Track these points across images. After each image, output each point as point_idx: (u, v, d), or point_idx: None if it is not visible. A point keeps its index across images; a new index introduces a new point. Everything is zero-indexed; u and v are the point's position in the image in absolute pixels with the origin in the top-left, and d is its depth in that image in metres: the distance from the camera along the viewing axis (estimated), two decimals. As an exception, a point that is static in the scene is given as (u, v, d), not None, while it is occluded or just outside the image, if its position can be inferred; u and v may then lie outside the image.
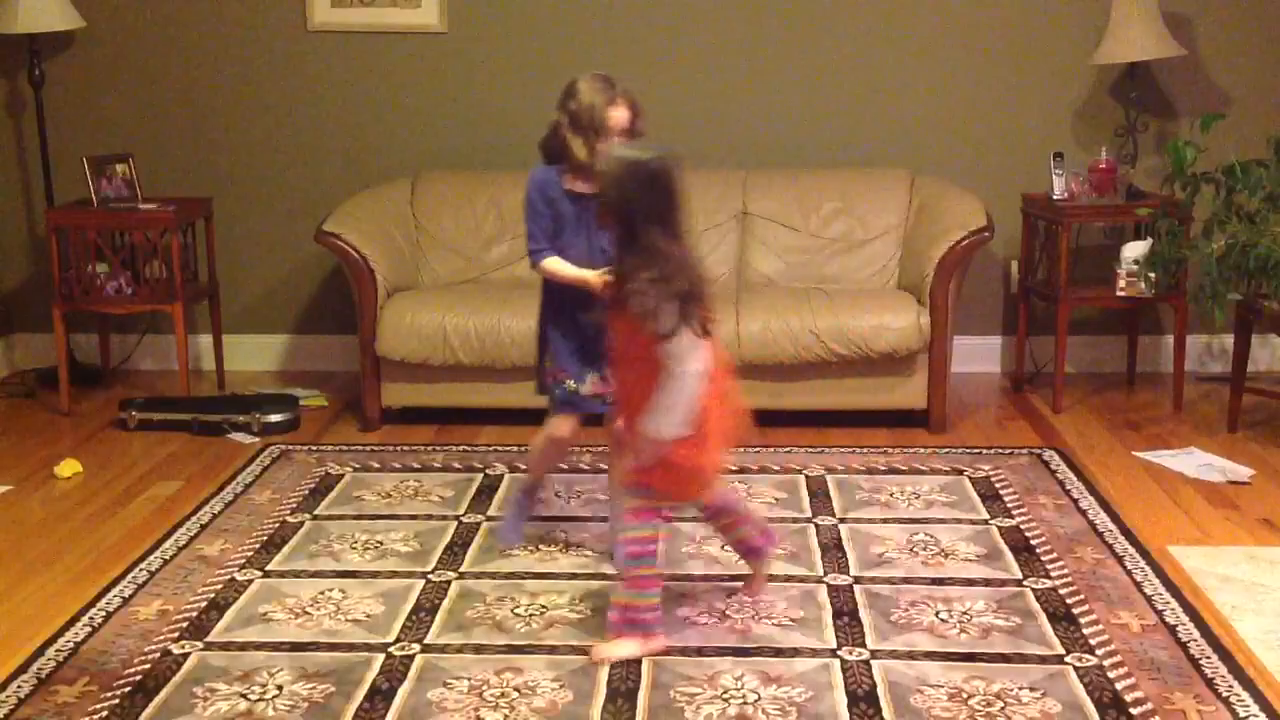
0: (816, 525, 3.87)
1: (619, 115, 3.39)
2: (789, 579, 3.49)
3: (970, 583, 3.47)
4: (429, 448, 4.56)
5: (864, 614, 3.28)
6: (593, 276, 3.37)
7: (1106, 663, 3.02)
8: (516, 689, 2.93)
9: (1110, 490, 4.16)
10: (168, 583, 3.53)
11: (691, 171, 5.29)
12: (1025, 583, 3.47)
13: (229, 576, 3.55)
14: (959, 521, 3.91)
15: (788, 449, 4.51)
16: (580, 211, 3.43)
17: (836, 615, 3.28)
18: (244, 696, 2.92)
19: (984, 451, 4.54)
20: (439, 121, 5.51)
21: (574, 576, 3.53)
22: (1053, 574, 3.52)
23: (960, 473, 4.32)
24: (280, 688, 2.95)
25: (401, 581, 3.49)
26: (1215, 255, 4.47)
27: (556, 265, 3.46)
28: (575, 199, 3.44)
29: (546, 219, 3.47)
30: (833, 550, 3.69)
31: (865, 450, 4.54)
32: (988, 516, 3.94)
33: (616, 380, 3.25)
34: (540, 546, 3.72)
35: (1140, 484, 4.24)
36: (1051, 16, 5.36)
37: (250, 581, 3.52)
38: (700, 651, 3.09)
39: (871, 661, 3.04)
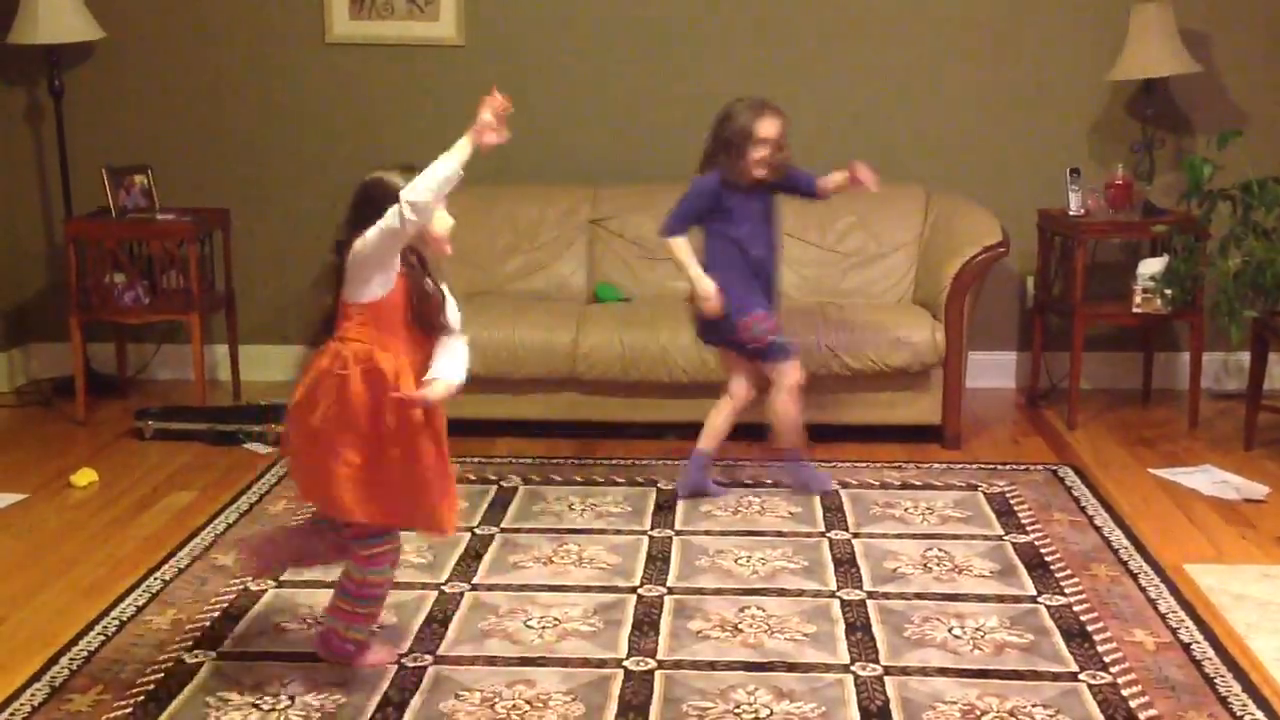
0: (830, 540, 3.86)
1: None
2: (802, 593, 3.49)
3: (984, 599, 3.46)
4: (443, 459, 4.57)
5: (877, 629, 3.28)
6: (708, 288, 3.95)
7: (1120, 681, 3.01)
8: (528, 701, 2.93)
9: (1125, 507, 4.15)
10: (182, 592, 3.54)
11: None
12: (1039, 599, 3.46)
13: (243, 586, 3.56)
14: (973, 537, 3.90)
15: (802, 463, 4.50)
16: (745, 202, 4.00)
17: (850, 630, 3.27)
18: (256, 706, 2.93)
19: (999, 467, 4.53)
20: (455, 134, 5.39)
21: (587, 589, 3.53)
22: (1067, 591, 3.50)
23: (975, 488, 4.31)
24: (292, 698, 2.96)
25: (415, 592, 3.49)
26: (1232, 272, 4.46)
27: (679, 249, 4.00)
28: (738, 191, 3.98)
29: (694, 209, 4.00)
30: (846, 565, 3.68)
31: (879, 465, 4.53)
32: (1002, 532, 3.93)
33: None
34: (553, 559, 3.73)
35: (1155, 501, 4.23)
36: (1068, 33, 5.36)
37: (264, 592, 3.53)
38: (713, 666, 3.09)
39: (885, 677, 3.03)
